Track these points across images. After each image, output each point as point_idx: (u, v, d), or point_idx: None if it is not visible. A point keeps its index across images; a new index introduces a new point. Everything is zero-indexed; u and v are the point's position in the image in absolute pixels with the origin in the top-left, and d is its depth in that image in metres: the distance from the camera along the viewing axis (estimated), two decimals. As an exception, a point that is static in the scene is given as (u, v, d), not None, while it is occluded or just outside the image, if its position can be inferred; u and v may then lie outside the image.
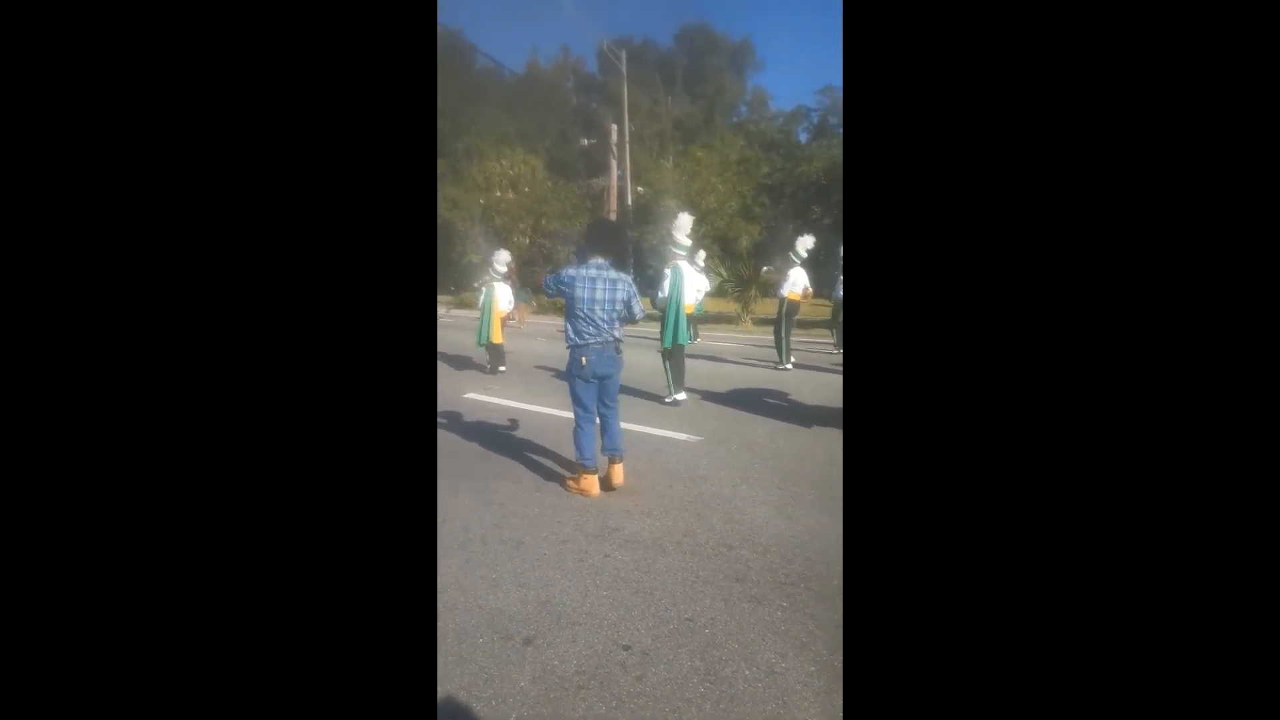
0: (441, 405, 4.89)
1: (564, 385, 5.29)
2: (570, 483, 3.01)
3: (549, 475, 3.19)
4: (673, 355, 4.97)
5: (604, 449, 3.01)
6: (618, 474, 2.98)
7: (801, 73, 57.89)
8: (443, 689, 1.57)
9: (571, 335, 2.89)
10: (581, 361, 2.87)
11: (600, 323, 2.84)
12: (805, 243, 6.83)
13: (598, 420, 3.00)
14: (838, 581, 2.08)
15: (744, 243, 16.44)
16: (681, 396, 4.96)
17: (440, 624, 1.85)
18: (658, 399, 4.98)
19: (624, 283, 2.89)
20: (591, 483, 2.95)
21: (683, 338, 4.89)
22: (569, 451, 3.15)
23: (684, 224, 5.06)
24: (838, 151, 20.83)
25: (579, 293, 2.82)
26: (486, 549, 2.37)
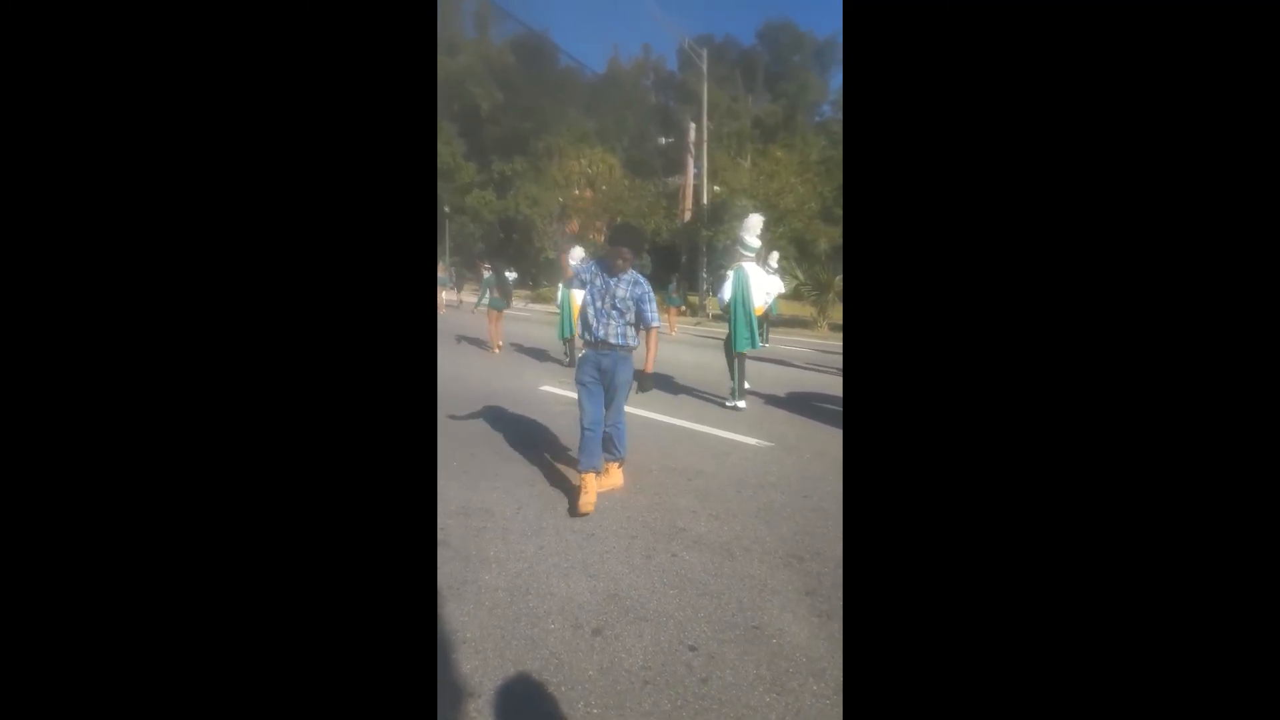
0: (519, 397, 5.08)
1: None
2: (601, 485, 2.92)
3: (624, 470, 3.24)
4: (738, 360, 4.83)
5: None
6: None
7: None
8: (515, 670, 1.65)
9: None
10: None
11: None
12: None
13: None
14: (914, 604, 2.00)
15: (822, 245, 15.97)
16: (742, 404, 4.79)
17: (514, 608, 1.94)
18: (723, 401, 4.94)
19: None
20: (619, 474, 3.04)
21: (752, 343, 4.72)
22: (641, 450, 3.17)
23: (753, 225, 4.85)
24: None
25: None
26: (559, 538, 2.45)
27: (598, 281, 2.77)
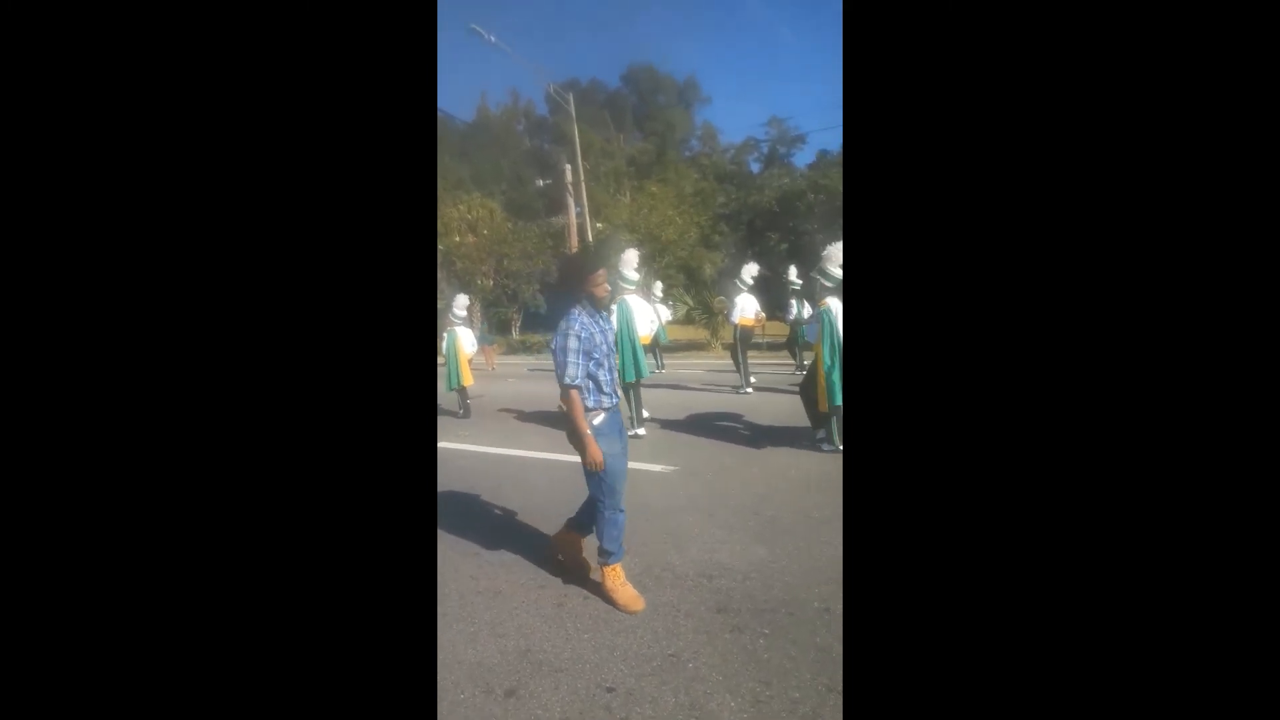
0: (410, 456, 4.79)
1: (535, 426, 5.17)
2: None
3: (525, 520, 3.15)
4: (631, 389, 4.96)
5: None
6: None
7: (748, 105, 60.12)
8: (424, 754, 1.53)
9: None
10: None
11: None
12: (750, 270, 7.25)
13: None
14: (818, 604, 2.11)
15: (708, 270, 16.81)
16: (641, 431, 4.94)
17: (419, 685, 1.80)
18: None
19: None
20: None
21: (639, 372, 4.82)
22: (544, 495, 3.08)
23: (630, 259, 5.22)
24: (788, 180, 21.67)
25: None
26: (463, 602, 2.32)
27: (593, 335, 2.14)
